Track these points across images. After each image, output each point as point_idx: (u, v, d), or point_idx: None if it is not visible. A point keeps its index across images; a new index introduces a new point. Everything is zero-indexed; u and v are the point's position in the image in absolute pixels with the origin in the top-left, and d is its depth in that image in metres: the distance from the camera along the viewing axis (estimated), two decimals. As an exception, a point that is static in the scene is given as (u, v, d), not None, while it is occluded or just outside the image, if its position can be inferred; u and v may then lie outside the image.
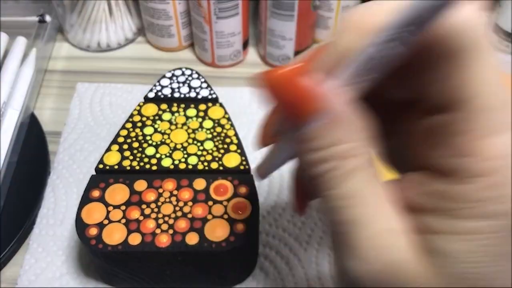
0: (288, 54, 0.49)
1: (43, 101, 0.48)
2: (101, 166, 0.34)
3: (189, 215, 0.32)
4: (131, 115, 0.37)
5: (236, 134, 0.36)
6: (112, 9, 0.50)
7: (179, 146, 0.35)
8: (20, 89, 0.44)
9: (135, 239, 0.31)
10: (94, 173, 0.34)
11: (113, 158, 0.35)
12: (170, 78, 0.40)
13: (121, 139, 0.36)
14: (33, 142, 0.43)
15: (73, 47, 0.53)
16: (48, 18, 0.51)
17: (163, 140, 0.36)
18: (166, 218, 0.32)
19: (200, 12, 0.46)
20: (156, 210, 0.32)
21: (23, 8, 0.53)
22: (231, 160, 0.35)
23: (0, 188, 0.38)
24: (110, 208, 0.32)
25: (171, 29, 0.50)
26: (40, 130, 0.44)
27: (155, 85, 0.39)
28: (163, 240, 0.31)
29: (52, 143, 0.44)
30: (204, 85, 0.40)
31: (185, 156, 0.35)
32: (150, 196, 0.33)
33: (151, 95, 0.39)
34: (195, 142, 0.36)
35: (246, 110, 0.46)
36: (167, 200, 0.33)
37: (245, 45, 0.51)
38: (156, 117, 0.37)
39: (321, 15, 0.51)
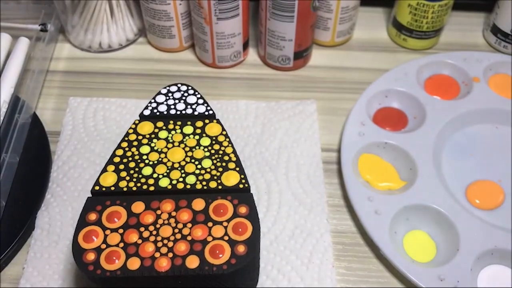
0: (288, 55, 0.49)
1: (45, 101, 0.48)
2: (97, 187, 0.33)
3: (189, 237, 0.31)
4: (127, 134, 0.36)
5: (234, 151, 0.36)
6: (113, 10, 0.50)
7: (176, 165, 0.35)
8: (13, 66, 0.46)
9: (134, 264, 0.30)
10: (89, 190, 0.34)
11: (109, 179, 0.34)
12: (166, 95, 0.39)
13: (117, 159, 0.35)
14: (35, 142, 0.44)
15: (74, 48, 0.53)
16: (49, 26, 0.51)
17: (160, 159, 0.35)
18: (165, 241, 0.31)
19: (200, 13, 0.46)
20: (154, 233, 0.31)
21: (24, 9, 0.54)
22: (230, 179, 0.34)
23: (1, 188, 0.38)
24: (108, 231, 0.31)
25: (171, 30, 0.50)
26: (42, 129, 0.44)
27: (150, 102, 0.38)
28: (163, 264, 0.30)
29: (53, 143, 0.44)
30: (201, 101, 0.39)
31: (183, 175, 0.34)
32: (148, 218, 0.32)
33: (147, 112, 0.38)
34: (192, 160, 0.35)
35: (243, 124, 0.46)
36: (166, 222, 0.32)
37: (245, 46, 0.51)
38: (152, 136, 0.36)
39: (321, 16, 0.51)
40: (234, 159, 0.35)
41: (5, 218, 0.38)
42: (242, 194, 0.33)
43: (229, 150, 0.36)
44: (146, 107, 0.38)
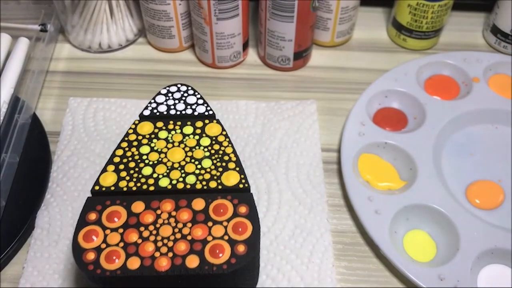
0: (288, 55, 0.49)
1: (44, 101, 0.48)
2: (97, 187, 0.33)
3: (189, 237, 0.31)
4: (127, 134, 0.36)
5: (234, 151, 0.36)
6: (113, 10, 0.50)
7: (176, 165, 0.35)
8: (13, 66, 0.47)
9: (134, 263, 0.30)
10: (89, 190, 0.34)
11: (109, 179, 0.34)
12: (166, 95, 0.39)
13: (117, 159, 0.35)
14: (35, 142, 0.44)
15: (74, 48, 0.53)
16: (49, 27, 0.51)
17: (160, 159, 0.35)
18: (165, 241, 0.31)
19: (200, 13, 0.46)
20: (154, 232, 0.31)
21: (24, 9, 0.54)
22: (230, 179, 0.34)
23: (1, 188, 0.38)
24: (108, 231, 0.31)
25: (171, 30, 0.50)
26: (42, 130, 0.44)
27: (150, 103, 0.38)
28: (163, 264, 0.30)
29: (53, 143, 0.44)
30: (200, 101, 0.39)
31: (183, 175, 0.34)
32: (148, 218, 0.32)
33: (147, 112, 0.38)
34: (192, 160, 0.35)
35: (243, 124, 0.46)
36: (166, 221, 0.32)
37: (245, 46, 0.51)
38: (152, 136, 0.36)
39: (321, 16, 0.51)
40: (234, 159, 0.35)
41: (5, 218, 0.38)
42: (242, 194, 0.33)
43: (229, 150, 0.36)
44: (146, 107, 0.38)
